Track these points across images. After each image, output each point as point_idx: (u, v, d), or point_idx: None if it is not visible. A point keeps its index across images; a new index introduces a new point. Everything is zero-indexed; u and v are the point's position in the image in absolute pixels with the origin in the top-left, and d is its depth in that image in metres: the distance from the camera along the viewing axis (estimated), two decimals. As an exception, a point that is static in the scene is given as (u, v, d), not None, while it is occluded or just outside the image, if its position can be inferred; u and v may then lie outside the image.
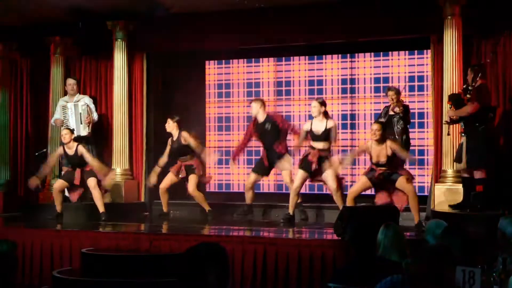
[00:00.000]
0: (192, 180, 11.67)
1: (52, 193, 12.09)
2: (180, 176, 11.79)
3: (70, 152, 11.68)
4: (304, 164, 10.97)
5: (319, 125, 10.94)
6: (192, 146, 11.68)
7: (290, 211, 11.07)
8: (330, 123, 10.92)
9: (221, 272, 3.60)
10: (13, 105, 14.09)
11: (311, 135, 10.97)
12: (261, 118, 11.55)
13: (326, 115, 11.04)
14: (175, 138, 11.80)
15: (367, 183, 10.35)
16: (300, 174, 11.00)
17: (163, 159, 11.91)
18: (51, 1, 11.94)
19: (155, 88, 13.67)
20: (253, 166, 12.12)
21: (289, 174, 11.47)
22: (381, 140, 10.11)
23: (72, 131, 12.00)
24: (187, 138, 11.68)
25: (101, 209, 11.59)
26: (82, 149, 11.70)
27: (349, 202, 10.28)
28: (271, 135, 11.46)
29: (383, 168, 10.15)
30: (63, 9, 12.39)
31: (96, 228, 10.56)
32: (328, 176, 10.82)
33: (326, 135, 10.89)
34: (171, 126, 11.84)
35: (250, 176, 11.72)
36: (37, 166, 13.52)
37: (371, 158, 10.27)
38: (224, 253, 3.65)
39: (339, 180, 10.91)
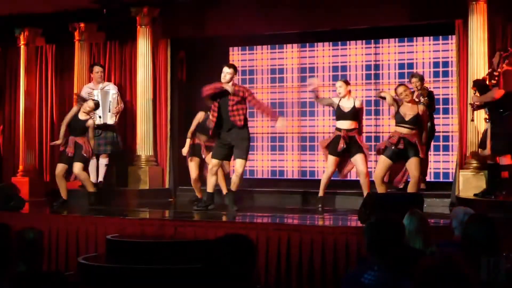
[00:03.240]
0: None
1: (76, 181, 12.15)
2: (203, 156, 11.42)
3: (82, 117, 11.60)
4: (332, 148, 10.68)
5: (347, 103, 10.67)
6: None
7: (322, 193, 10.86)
8: (358, 102, 10.69)
9: (247, 264, 3.62)
10: (39, 91, 14.20)
11: (338, 113, 10.70)
12: (230, 89, 10.45)
13: (350, 94, 10.82)
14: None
15: (387, 161, 10.24)
16: (330, 160, 10.72)
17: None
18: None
19: (179, 75, 13.71)
20: (276, 152, 12.04)
21: (243, 165, 10.52)
22: (414, 102, 10.22)
23: (97, 104, 11.94)
24: None
25: (90, 189, 11.59)
26: (91, 124, 11.60)
27: (378, 187, 10.23)
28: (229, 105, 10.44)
29: (408, 129, 10.10)
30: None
31: (122, 215, 10.61)
32: (358, 159, 10.61)
33: (354, 114, 10.64)
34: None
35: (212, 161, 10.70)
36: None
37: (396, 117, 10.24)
38: (250, 245, 3.68)
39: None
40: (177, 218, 10.53)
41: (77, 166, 11.47)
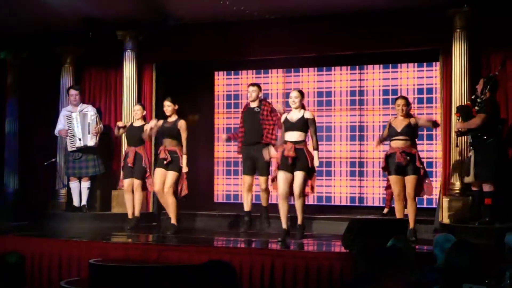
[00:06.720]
0: (171, 177, 11.04)
1: (60, 203, 12.10)
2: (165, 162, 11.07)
3: (137, 124, 11.80)
4: (282, 162, 10.11)
5: (295, 114, 10.18)
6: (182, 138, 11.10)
7: (284, 225, 10.22)
8: (308, 114, 10.18)
9: (229, 290, 3.64)
10: (23, 114, 14.15)
11: (286, 126, 10.20)
12: (253, 104, 11.28)
13: (303, 107, 10.34)
14: (170, 120, 11.27)
15: (397, 178, 10.07)
16: (280, 176, 10.10)
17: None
18: (61, 10, 11.97)
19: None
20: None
21: (265, 181, 11.03)
22: (406, 116, 10.18)
23: (143, 107, 12.06)
24: (183, 127, 11.15)
25: (137, 213, 11.63)
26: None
27: (397, 207, 10.06)
28: (257, 118, 11.10)
29: (402, 140, 10.04)
30: (73, 18, 12.44)
31: (105, 239, 10.56)
32: (297, 176, 10.03)
33: (302, 125, 10.09)
34: (171, 109, 11.30)
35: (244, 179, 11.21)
36: (46, 175, 13.59)
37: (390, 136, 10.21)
38: (233, 272, 3.68)
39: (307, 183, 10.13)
40: (161, 243, 10.49)
41: (136, 183, 11.58)
